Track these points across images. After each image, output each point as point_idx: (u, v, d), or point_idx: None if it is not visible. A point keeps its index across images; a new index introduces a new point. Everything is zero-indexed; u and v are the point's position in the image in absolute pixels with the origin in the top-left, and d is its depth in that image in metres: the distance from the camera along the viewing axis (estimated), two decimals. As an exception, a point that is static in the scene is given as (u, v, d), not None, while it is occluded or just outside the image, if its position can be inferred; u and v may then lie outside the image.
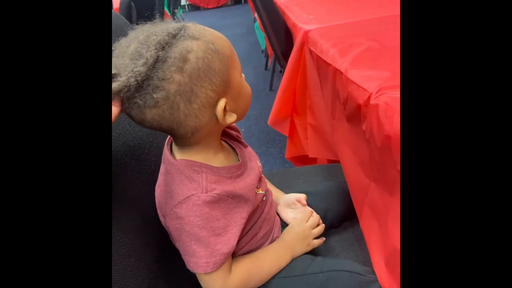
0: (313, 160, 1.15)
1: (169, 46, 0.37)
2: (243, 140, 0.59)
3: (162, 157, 0.48)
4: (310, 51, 0.92)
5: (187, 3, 6.64)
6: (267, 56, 2.69)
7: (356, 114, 0.58)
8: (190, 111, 0.40)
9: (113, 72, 0.36)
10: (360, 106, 0.55)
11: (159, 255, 0.50)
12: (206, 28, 0.42)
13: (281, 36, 1.43)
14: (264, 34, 1.95)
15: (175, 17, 4.82)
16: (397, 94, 0.49)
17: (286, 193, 0.67)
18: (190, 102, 0.39)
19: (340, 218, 0.68)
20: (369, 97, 0.52)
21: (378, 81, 0.54)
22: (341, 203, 0.68)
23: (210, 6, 6.44)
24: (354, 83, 0.58)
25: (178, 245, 0.45)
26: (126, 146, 0.52)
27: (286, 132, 1.17)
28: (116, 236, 0.43)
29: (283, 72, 1.12)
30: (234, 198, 0.45)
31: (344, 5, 1.26)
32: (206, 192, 0.42)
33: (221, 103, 0.41)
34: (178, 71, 0.37)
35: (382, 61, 0.65)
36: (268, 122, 1.12)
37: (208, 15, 5.98)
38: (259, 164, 0.56)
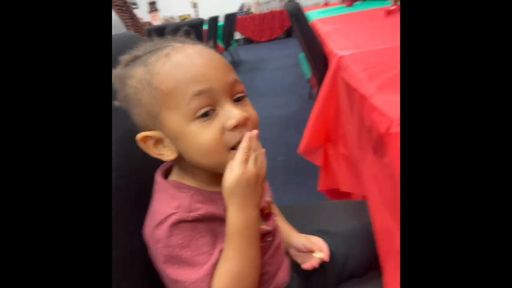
0: (348, 195, 1.04)
1: (126, 66, 0.41)
2: None
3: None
4: (343, 77, 0.86)
5: (242, 37, 6.96)
6: (311, 85, 2.66)
7: (380, 144, 0.50)
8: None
9: None
10: (382, 135, 0.47)
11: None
12: (172, 57, 0.38)
13: (320, 64, 1.39)
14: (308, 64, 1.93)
15: (228, 49, 5.07)
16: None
17: (302, 230, 0.60)
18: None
19: (364, 266, 0.58)
20: (390, 124, 0.44)
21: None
22: (365, 248, 0.58)
23: (263, 40, 6.68)
24: (377, 109, 0.50)
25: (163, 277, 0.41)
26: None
27: (319, 163, 1.09)
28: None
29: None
30: (222, 221, 0.40)
31: (388, 30, 1.18)
32: (189, 212, 0.38)
33: (141, 135, 0.40)
34: (118, 92, 0.41)
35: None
36: (298, 151, 1.05)
37: (260, 47, 6.20)
38: (268, 199, 0.51)
